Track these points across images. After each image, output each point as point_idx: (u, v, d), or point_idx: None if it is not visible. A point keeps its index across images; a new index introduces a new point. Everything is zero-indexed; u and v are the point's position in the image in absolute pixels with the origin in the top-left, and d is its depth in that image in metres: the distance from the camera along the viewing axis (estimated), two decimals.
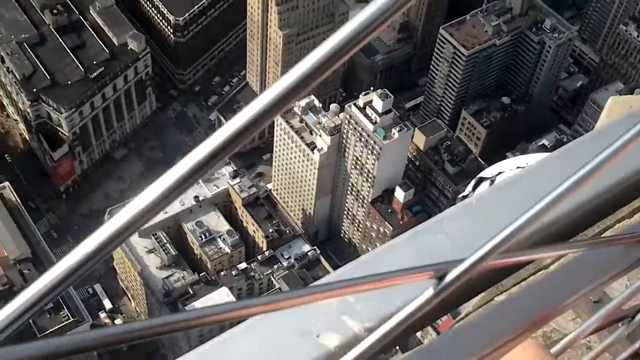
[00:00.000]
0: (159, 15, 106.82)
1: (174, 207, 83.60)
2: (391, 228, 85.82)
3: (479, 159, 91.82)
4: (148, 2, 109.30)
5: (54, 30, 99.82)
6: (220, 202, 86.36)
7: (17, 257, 77.94)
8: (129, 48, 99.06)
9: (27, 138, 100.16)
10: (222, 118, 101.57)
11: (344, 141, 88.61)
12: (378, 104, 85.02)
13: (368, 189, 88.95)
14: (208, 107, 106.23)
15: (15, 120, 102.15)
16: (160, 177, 1.00)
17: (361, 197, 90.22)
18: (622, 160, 1.41)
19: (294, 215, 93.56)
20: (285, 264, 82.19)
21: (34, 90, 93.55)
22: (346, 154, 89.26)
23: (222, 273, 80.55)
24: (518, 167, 5.09)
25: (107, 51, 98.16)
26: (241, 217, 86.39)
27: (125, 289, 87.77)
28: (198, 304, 73.93)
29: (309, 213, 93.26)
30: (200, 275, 79.85)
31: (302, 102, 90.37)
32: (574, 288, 2.05)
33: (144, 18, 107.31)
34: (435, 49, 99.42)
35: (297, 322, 2.02)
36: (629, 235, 2.04)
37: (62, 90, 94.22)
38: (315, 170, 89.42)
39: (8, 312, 0.92)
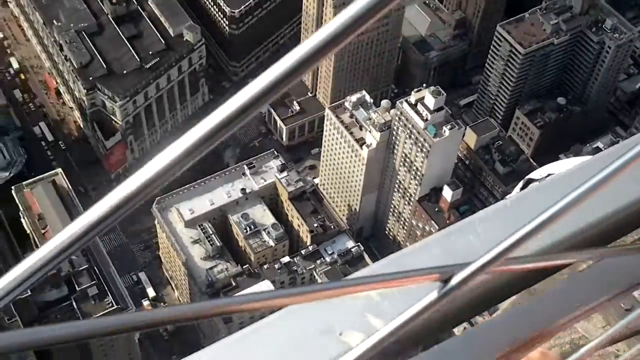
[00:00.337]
0: (215, 6, 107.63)
1: (221, 199, 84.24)
2: (437, 227, 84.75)
3: (531, 159, 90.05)
4: None
5: (112, 20, 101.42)
6: (267, 195, 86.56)
7: None
8: (184, 39, 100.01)
9: (82, 126, 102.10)
10: (272, 111, 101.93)
11: (393, 138, 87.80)
12: (430, 101, 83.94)
13: (415, 186, 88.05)
14: None
15: (71, 107, 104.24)
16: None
17: (408, 194, 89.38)
18: None
19: (340, 210, 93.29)
20: (328, 259, 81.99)
21: (90, 78, 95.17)
22: (395, 151, 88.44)
23: (265, 266, 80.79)
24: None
25: (163, 41, 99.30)
26: (287, 211, 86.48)
27: (169, 278, 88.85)
28: None
29: (355, 209, 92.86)
30: (244, 267, 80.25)
31: (354, 97, 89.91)
32: (593, 296, 2.03)
33: (201, 9, 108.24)
34: (492, 47, 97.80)
35: (321, 320, 2.03)
36: None
37: (118, 79, 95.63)
38: (362, 166, 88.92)
39: (9, 279, 0.98)
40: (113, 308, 75.16)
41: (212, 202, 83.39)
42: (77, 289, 75.82)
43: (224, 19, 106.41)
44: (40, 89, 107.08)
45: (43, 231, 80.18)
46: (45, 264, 1.03)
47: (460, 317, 2.15)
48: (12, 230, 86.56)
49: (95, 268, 76.83)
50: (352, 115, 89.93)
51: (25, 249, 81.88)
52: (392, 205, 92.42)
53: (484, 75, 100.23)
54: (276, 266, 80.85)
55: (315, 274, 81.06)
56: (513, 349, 1.92)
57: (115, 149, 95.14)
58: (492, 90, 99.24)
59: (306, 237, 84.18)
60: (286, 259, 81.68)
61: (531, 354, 1.99)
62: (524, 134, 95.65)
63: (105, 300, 75.54)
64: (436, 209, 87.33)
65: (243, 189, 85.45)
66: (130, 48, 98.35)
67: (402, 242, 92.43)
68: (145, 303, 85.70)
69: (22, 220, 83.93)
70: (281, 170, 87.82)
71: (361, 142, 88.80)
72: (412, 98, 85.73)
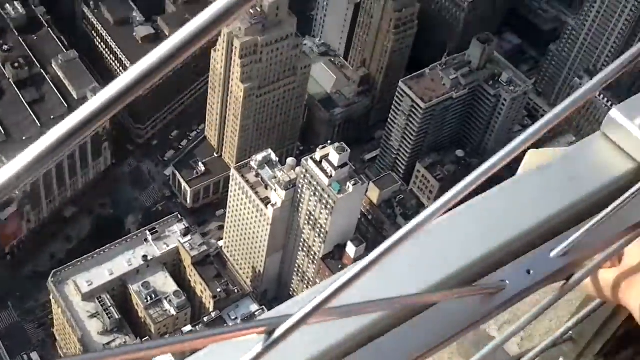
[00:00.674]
0: (121, 67, 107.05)
1: (121, 268, 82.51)
2: None
3: None
4: (111, 55, 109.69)
5: (13, 84, 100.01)
6: (170, 262, 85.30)
7: None
8: None
9: None
10: (177, 173, 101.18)
11: (298, 196, 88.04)
12: (334, 157, 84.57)
13: (320, 244, 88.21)
14: (164, 162, 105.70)
15: None
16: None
17: (312, 253, 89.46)
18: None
19: (244, 273, 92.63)
20: (230, 325, 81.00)
21: None
22: (300, 209, 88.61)
23: (167, 337, 78.87)
24: None
25: (66, 105, 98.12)
26: (189, 277, 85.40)
27: (63, 356, 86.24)
28: None
29: (259, 270, 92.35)
30: (143, 340, 78.65)
31: (260, 156, 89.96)
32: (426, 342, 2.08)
33: (107, 70, 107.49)
34: (394, 102, 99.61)
35: None
36: (481, 287, 2.11)
37: (17, 145, 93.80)
38: (268, 226, 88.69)
39: None
40: None
41: (111, 271, 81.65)
42: None
43: None
44: None
45: None
46: None
47: None
48: None
49: None
50: (257, 175, 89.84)
51: None
52: (297, 265, 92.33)
53: (387, 130, 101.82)
54: None
55: None
56: None
57: (10, 220, 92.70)
58: (394, 145, 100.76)
59: (209, 302, 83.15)
60: (188, 327, 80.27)
61: None
62: (425, 187, 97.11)
63: None
64: (340, 267, 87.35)
65: (145, 256, 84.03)
66: (31, 113, 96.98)
67: None
68: None
69: None
70: (184, 235, 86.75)
71: (266, 201, 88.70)
72: (317, 155, 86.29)
